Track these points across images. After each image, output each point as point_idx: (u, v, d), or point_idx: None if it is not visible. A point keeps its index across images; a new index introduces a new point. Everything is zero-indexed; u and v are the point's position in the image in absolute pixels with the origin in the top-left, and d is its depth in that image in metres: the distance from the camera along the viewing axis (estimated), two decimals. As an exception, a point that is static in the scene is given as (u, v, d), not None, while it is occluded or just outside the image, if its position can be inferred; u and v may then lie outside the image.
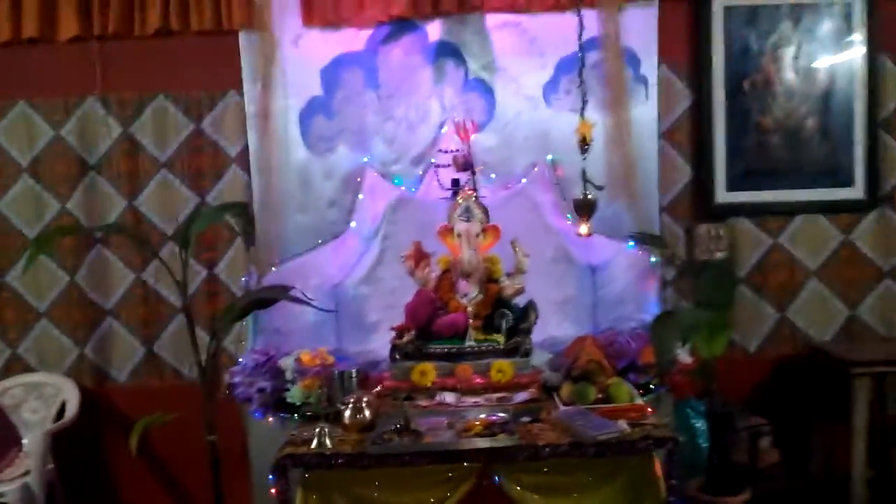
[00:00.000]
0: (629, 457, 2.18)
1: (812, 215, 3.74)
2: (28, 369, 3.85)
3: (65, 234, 3.53)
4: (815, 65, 3.69)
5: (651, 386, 2.71)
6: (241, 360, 2.96)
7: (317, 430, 2.23)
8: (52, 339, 3.85)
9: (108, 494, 3.86)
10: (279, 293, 2.53)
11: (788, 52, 3.69)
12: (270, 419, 2.67)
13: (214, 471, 2.41)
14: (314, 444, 2.20)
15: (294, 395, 2.64)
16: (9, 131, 3.81)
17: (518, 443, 2.19)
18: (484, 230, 2.89)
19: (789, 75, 3.69)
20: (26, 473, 3.42)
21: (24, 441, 3.61)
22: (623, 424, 2.24)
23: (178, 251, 2.75)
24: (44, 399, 3.74)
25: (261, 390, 2.67)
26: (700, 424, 3.15)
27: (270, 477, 2.17)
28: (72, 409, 3.64)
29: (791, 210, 3.74)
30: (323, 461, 2.16)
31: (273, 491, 2.15)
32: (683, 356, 2.77)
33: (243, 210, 2.85)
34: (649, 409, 2.39)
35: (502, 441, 2.18)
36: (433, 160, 3.56)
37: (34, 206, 3.82)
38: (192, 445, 3.22)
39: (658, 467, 2.17)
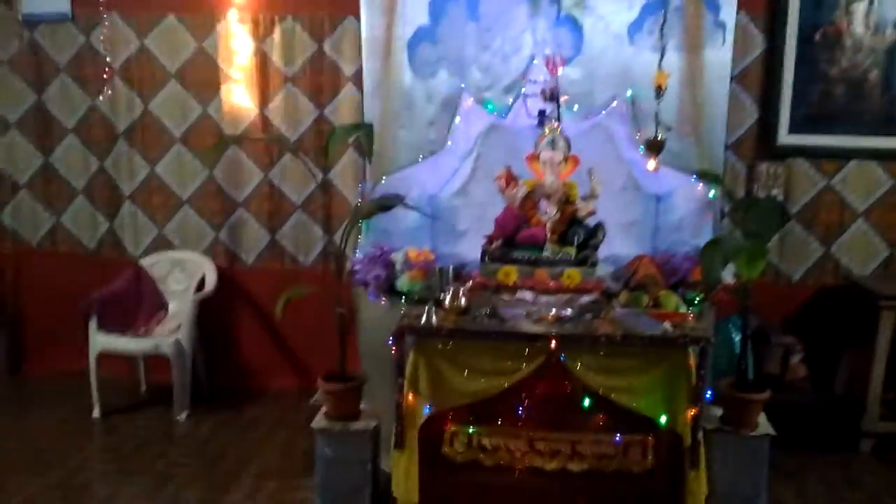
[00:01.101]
0: (669, 350, 2.74)
1: (866, 161, 4.07)
2: (171, 247, 4.62)
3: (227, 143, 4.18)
4: (884, 20, 3.93)
5: (697, 300, 3.23)
6: (357, 252, 3.60)
7: (426, 308, 2.88)
8: (192, 224, 4.59)
9: (237, 356, 4.63)
10: (396, 200, 3.11)
11: (861, 7, 3.94)
12: (383, 301, 3.32)
13: (341, 338, 3.08)
14: (423, 319, 2.85)
15: (403, 283, 3.27)
16: (158, 41, 4.43)
17: (581, 332, 2.78)
18: (565, 159, 3.38)
19: (859, 29, 3.96)
20: (174, 332, 4.21)
21: (171, 305, 4.44)
22: (667, 325, 2.79)
23: (324, 158, 3.31)
24: (187, 272, 4.49)
25: (376, 277, 3.31)
26: (738, 338, 3.66)
27: (389, 341, 2.83)
28: (211, 282, 4.39)
29: (847, 155, 4.07)
30: (430, 332, 2.80)
31: (393, 350, 2.82)
32: (727, 277, 3.26)
33: (370, 129, 3.38)
34: (691, 317, 2.93)
35: (568, 329, 2.78)
36: (523, 90, 3.94)
37: (180, 109, 4.47)
38: (305, 319, 3.91)
39: (692, 360, 2.73)
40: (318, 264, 4.50)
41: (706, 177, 3.45)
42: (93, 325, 4.11)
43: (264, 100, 4.38)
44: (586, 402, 2.79)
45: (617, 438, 2.80)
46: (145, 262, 4.51)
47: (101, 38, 4.45)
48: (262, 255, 4.56)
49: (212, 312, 4.42)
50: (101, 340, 4.10)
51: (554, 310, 2.93)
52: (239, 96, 4.38)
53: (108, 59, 4.47)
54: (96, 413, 4.15)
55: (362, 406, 3.19)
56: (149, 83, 4.46)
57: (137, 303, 4.34)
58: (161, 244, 4.61)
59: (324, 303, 3.40)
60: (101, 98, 4.52)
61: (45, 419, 4.14)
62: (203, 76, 4.40)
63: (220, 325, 4.56)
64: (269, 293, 4.36)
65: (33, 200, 4.75)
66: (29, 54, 4.55)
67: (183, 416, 4.13)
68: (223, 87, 4.39)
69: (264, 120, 4.39)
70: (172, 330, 4.22)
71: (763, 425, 3.06)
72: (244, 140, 4.43)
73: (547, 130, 3.39)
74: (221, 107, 4.41)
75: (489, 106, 4.04)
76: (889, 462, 3.76)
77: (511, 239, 3.27)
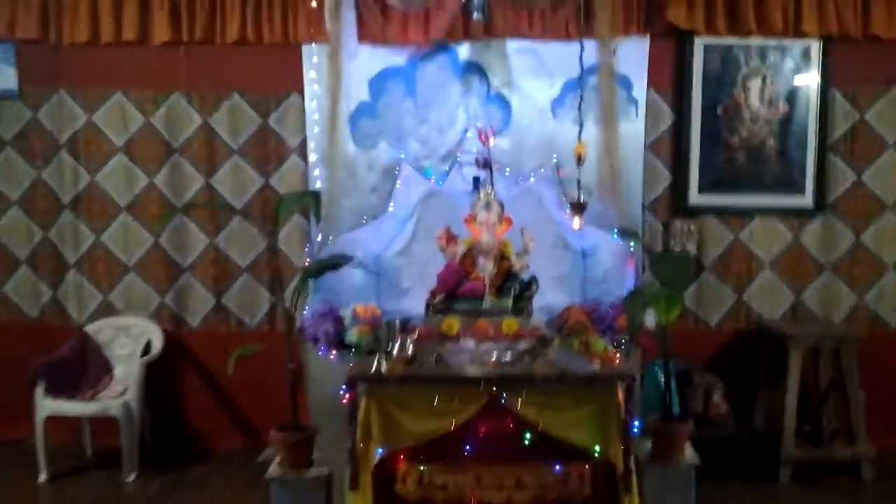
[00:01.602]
0: (599, 387, 2.99)
1: (768, 217, 4.54)
2: (116, 313, 4.68)
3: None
4: (777, 95, 4.47)
5: (623, 343, 3.52)
6: (305, 310, 3.77)
7: (375, 359, 3.06)
8: (137, 289, 4.67)
9: (183, 417, 4.68)
10: (345, 259, 3.33)
11: (755, 84, 4.47)
12: (332, 355, 3.49)
13: (293, 390, 3.22)
14: (374, 368, 3.03)
15: (352, 337, 3.45)
16: (107, 117, 4.61)
17: (520, 374, 3.00)
18: (500, 220, 3.68)
19: (755, 103, 4.48)
20: (121, 395, 4.25)
21: (116, 370, 4.48)
22: (596, 365, 3.06)
23: (272, 226, 3.50)
24: (132, 337, 4.56)
25: (326, 332, 3.48)
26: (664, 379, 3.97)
27: (342, 389, 2.99)
28: (157, 347, 4.46)
29: (751, 212, 4.53)
30: (381, 379, 2.98)
31: (346, 397, 2.97)
32: (649, 322, 3.58)
33: (318, 196, 3.62)
34: (617, 357, 3.21)
35: (508, 372, 3.00)
36: (458, 159, 4.32)
37: (126, 180, 4.63)
38: (251, 379, 4.03)
39: (620, 396, 2.99)
40: (263, 325, 4.65)
41: (625, 234, 3.82)
42: (39, 390, 4.12)
43: (211, 170, 4.58)
44: (527, 437, 3.00)
45: (557, 469, 3.01)
46: (90, 328, 4.56)
47: (48, 113, 4.60)
48: (208, 317, 4.68)
49: (157, 375, 4.48)
50: (48, 405, 4.10)
51: (495, 355, 3.16)
52: (186, 167, 4.58)
53: (54, 134, 4.61)
54: (43, 477, 4.12)
55: (314, 455, 3.31)
56: (95, 156, 4.62)
57: (83, 368, 4.38)
58: (106, 310, 4.68)
59: (268, 363, 3.57)
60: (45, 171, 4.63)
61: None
62: (150, 149, 4.59)
63: (166, 387, 4.62)
64: (215, 355, 4.50)
65: (-26, 271, 4.76)
66: (-26, 129, 4.66)
67: (132, 478, 4.14)
68: (170, 159, 4.58)
69: (210, 189, 4.58)
70: (119, 394, 4.26)
71: (689, 456, 3.32)
72: (192, 207, 4.59)
73: (482, 194, 3.69)
74: (168, 177, 4.58)
75: (427, 173, 4.38)
76: (806, 487, 4.07)
77: (453, 293, 3.52)
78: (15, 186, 4.68)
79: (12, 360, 4.43)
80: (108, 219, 4.64)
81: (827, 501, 3.94)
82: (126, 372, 4.41)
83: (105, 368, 4.47)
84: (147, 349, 4.48)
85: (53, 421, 4.15)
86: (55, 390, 4.16)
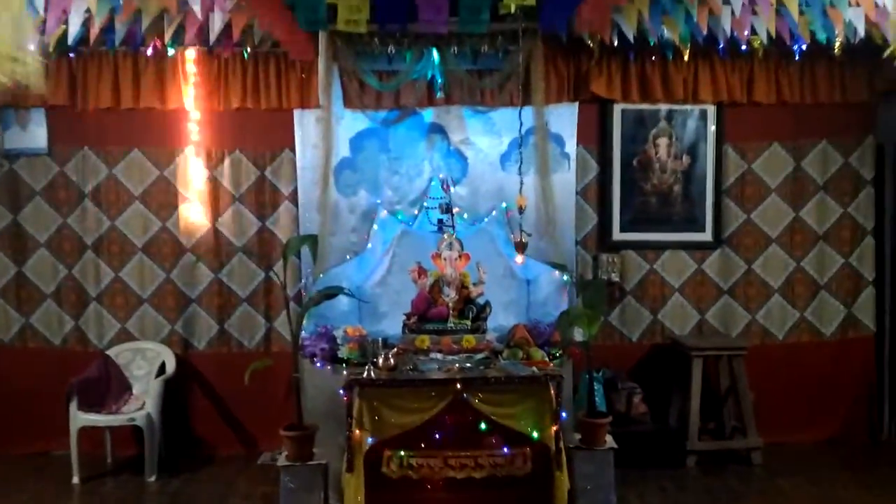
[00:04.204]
0: (536, 385, 3.93)
1: (676, 250, 5.52)
2: (132, 339, 5.45)
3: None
4: (681, 150, 5.50)
5: (557, 354, 4.47)
6: (303, 332, 4.63)
7: (365, 368, 3.96)
8: (150, 318, 5.46)
9: (190, 427, 5.44)
10: (339, 290, 4.23)
11: (664, 141, 5.49)
12: (328, 367, 4.37)
13: (297, 396, 4.07)
14: (364, 374, 3.93)
15: (344, 352, 4.34)
16: (126, 170, 5.41)
17: (477, 376, 3.93)
18: (460, 256, 4.62)
19: (663, 156, 5.50)
20: (140, 408, 5.01)
21: (135, 388, 5.25)
22: (534, 369, 4.01)
23: (283, 263, 4.31)
24: (147, 359, 5.33)
25: (322, 349, 4.37)
26: (596, 386, 4.91)
27: (341, 391, 3.87)
28: (170, 367, 5.25)
29: (662, 246, 5.52)
30: (371, 383, 3.88)
31: (345, 398, 3.85)
32: (578, 336, 4.53)
33: (316, 239, 4.48)
34: (551, 364, 4.15)
35: (468, 375, 3.94)
36: (425, 204, 5.20)
37: (142, 225, 5.42)
38: (249, 394, 4.76)
39: (552, 392, 3.92)
40: (260, 346, 5.45)
41: (559, 266, 4.78)
42: (73, 405, 4.87)
43: (216, 215, 5.41)
44: (482, 426, 3.93)
45: (505, 451, 3.93)
46: (111, 352, 5.32)
47: (75, 168, 5.39)
48: (212, 341, 5.47)
49: (168, 390, 5.24)
50: (82, 417, 4.86)
51: (457, 364, 4.09)
52: (194, 213, 5.40)
53: (79, 185, 5.40)
54: (76, 480, 4.85)
55: (314, 450, 4.17)
56: (115, 204, 5.40)
57: (107, 386, 5.13)
58: (123, 337, 5.44)
59: (265, 379, 4.44)
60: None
61: (28, 490, 4.79)
62: (163, 198, 5.40)
63: (175, 400, 5.38)
64: (218, 372, 5.37)
65: (5, 304, 5.48)
66: (9, 182, 5.40)
67: (152, 478, 4.91)
68: (181, 207, 5.40)
69: (216, 231, 5.41)
70: (138, 408, 5.03)
71: (609, 443, 4.27)
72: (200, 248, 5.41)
73: (445, 235, 4.62)
74: (179, 222, 5.41)
75: (399, 216, 5.28)
76: (707, 472, 5.03)
77: (423, 316, 4.45)
78: (43, 230, 5.43)
79: (40, 381, 5.18)
80: (126, 258, 5.41)
81: (722, 482, 4.87)
82: (143, 389, 5.17)
83: (125, 386, 5.23)
84: (161, 369, 5.25)
85: (81, 432, 4.88)
86: (86, 405, 4.91)
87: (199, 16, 4.40)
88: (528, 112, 4.98)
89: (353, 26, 4.42)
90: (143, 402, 5.05)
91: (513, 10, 4.35)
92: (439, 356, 4.17)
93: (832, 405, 5.56)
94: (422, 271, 4.50)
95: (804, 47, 5.15)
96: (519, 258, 4.67)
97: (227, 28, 4.65)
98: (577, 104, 5.36)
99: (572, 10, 4.43)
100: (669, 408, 5.40)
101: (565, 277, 4.92)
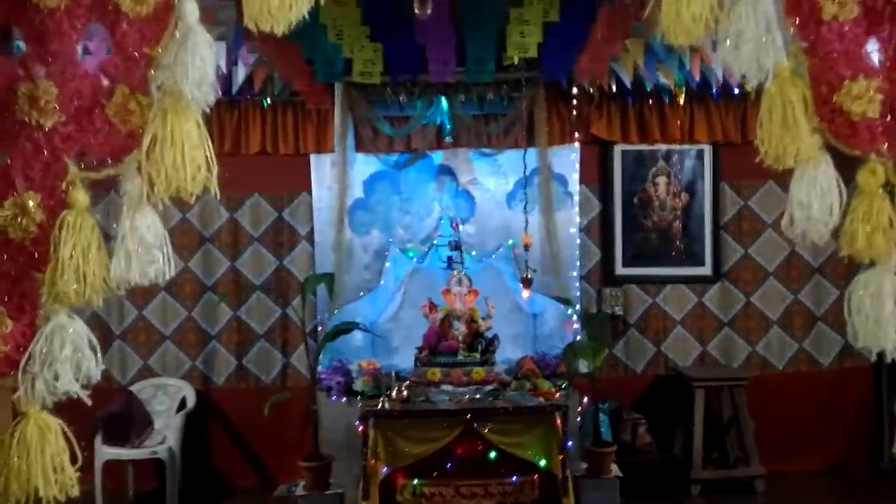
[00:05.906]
0: (543, 415, 4.13)
1: (677, 284, 5.72)
2: (154, 375, 5.67)
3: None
4: (679, 188, 5.74)
5: (563, 385, 4.67)
6: (319, 366, 4.85)
7: (380, 400, 4.17)
8: (172, 355, 5.68)
9: (209, 460, 5.61)
10: (354, 325, 4.46)
11: (663, 180, 5.74)
12: (344, 399, 4.57)
13: (315, 427, 4.27)
14: (379, 406, 4.14)
15: (359, 385, 4.56)
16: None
17: (486, 407, 4.14)
18: (469, 291, 4.85)
19: (663, 194, 5.74)
20: (162, 442, 5.21)
21: (156, 422, 5.45)
22: (541, 400, 4.22)
23: (301, 300, 4.56)
24: (169, 395, 5.54)
25: (338, 382, 4.58)
26: (601, 416, 5.09)
27: (357, 422, 4.07)
28: (191, 402, 5.45)
29: (663, 280, 5.72)
30: (385, 413, 4.09)
31: (360, 429, 4.06)
32: (583, 368, 4.73)
33: (333, 277, 4.74)
34: (557, 395, 4.35)
35: (478, 406, 4.15)
36: (435, 242, 5.45)
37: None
38: (266, 429, 5.03)
39: (559, 421, 4.12)
40: (277, 381, 5.65)
41: (563, 301, 5.00)
42: (98, 439, 5.07)
43: (235, 255, 5.66)
44: (492, 455, 4.12)
45: (514, 479, 4.12)
46: (133, 387, 5.52)
47: (100, 212, 5.66)
48: (231, 377, 5.67)
49: (188, 425, 5.43)
50: (106, 451, 5.05)
51: (467, 395, 4.30)
52: (215, 253, 5.66)
53: (105, 229, 5.65)
54: (100, 513, 5.04)
55: (331, 480, 4.36)
56: (139, 244, 5.66)
57: (130, 421, 5.32)
58: (145, 373, 5.65)
59: (281, 413, 4.62)
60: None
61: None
62: (186, 239, 5.63)
63: (196, 436, 5.57)
64: (237, 407, 5.55)
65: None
66: None
67: (175, 509, 5.09)
68: (202, 247, 5.65)
69: (235, 271, 5.66)
70: (160, 442, 5.22)
71: (614, 471, 4.45)
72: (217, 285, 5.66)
73: (455, 272, 4.86)
74: (200, 262, 5.66)
75: (411, 254, 5.52)
76: (712, 501, 5.17)
77: (434, 349, 4.66)
78: (70, 271, 5.69)
79: (62, 416, 5.36)
80: (150, 297, 5.65)
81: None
82: (164, 424, 5.36)
83: (147, 421, 5.42)
84: (182, 404, 5.45)
85: (105, 466, 5.05)
86: (110, 439, 5.11)
87: (224, 69, 4.69)
88: (532, 154, 5.29)
89: (367, 77, 4.71)
90: (164, 437, 5.24)
91: (516, 61, 4.63)
92: (450, 388, 4.38)
93: (833, 434, 5.69)
94: (433, 306, 4.73)
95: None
96: (525, 293, 4.90)
97: (249, 78, 4.95)
98: (578, 146, 5.62)
99: (572, 61, 4.71)
100: (674, 437, 5.54)
101: (570, 311, 5.13)
